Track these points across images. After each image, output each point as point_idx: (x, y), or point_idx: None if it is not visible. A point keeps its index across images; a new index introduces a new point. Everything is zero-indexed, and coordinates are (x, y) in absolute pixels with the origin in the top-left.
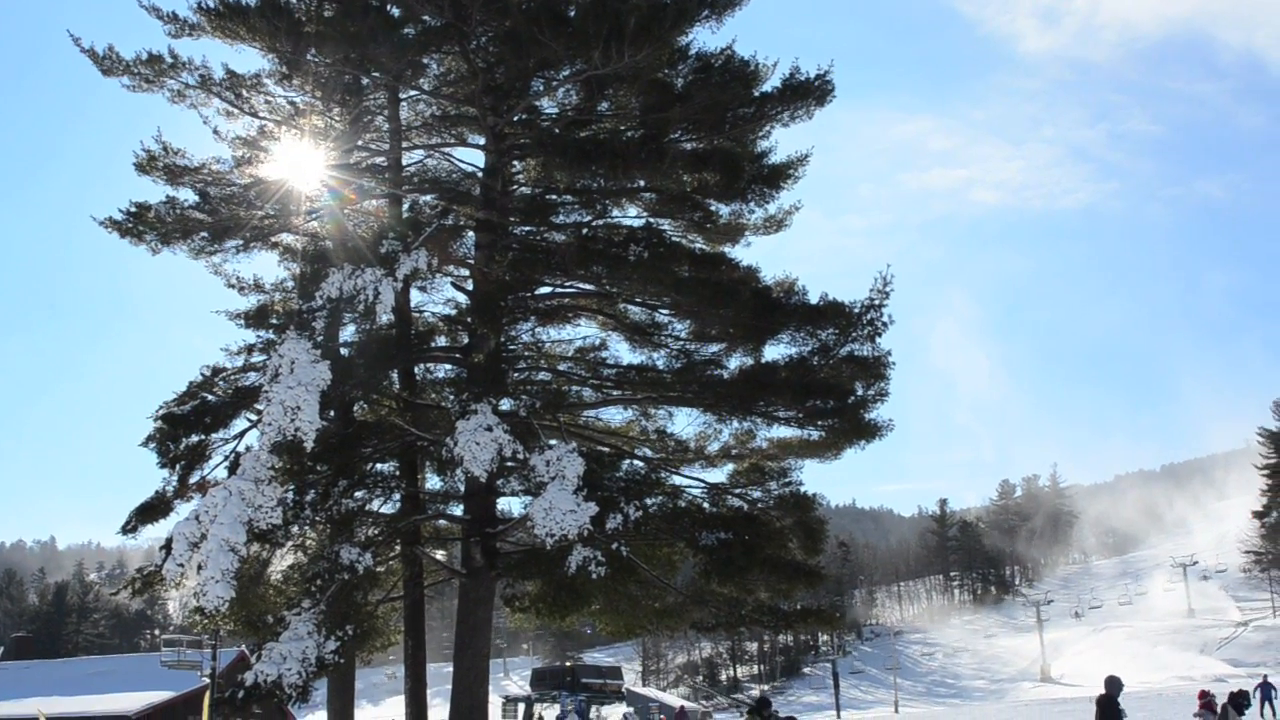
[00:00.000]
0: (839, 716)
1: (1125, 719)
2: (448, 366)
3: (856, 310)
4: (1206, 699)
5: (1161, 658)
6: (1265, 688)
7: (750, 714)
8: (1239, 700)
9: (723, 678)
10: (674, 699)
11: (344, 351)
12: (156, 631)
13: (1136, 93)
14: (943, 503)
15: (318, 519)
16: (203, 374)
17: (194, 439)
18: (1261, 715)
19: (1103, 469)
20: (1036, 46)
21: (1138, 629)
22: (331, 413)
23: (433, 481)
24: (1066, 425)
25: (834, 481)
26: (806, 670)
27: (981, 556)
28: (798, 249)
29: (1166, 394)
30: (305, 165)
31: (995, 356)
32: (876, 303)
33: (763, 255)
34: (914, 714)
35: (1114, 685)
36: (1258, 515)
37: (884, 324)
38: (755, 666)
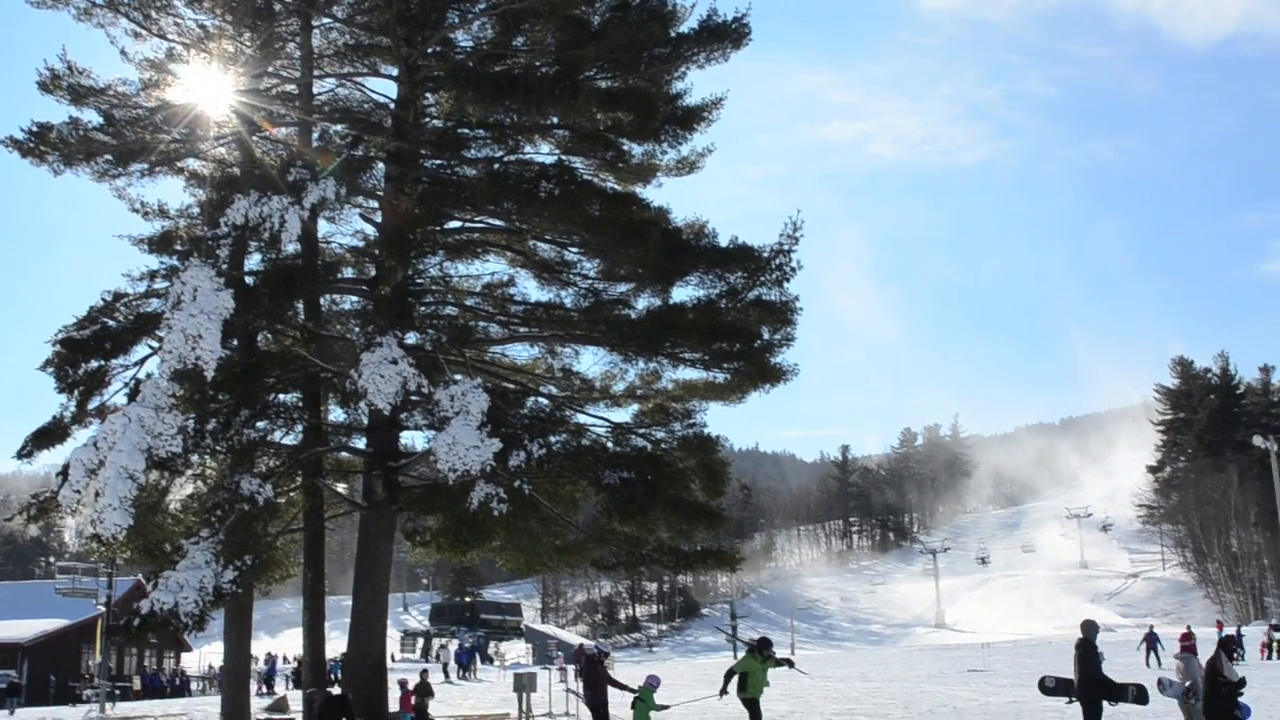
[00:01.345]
0: (736, 658)
1: (1104, 660)
2: (354, 298)
3: (765, 255)
4: (1188, 641)
5: (1053, 606)
6: (1151, 638)
7: (750, 654)
8: (1229, 645)
9: (621, 617)
10: (573, 636)
11: (248, 280)
12: (52, 559)
13: (1033, 54)
14: (844, 449)
15: (218, 448)
16: (104, 299)
17: (93, 364)
18: (1147, 664)
19: (1002, 421)
20: (936, 5)
21: (1031, 578)
22: (234, 341)
23: (336, 414)
24: (968, 377)
25: (738, 425)
26: (705, 611)
27: (881, 503)
28: (695, 195)
29: (1065, 350)
30: (214, 90)
31: (895, 308)
32: (785, 248)
33: (661, 200)
34: (810, 656)
35: (1090, 629)
36: (1152, 470)
37: (792, 269)
38: (654, 606)
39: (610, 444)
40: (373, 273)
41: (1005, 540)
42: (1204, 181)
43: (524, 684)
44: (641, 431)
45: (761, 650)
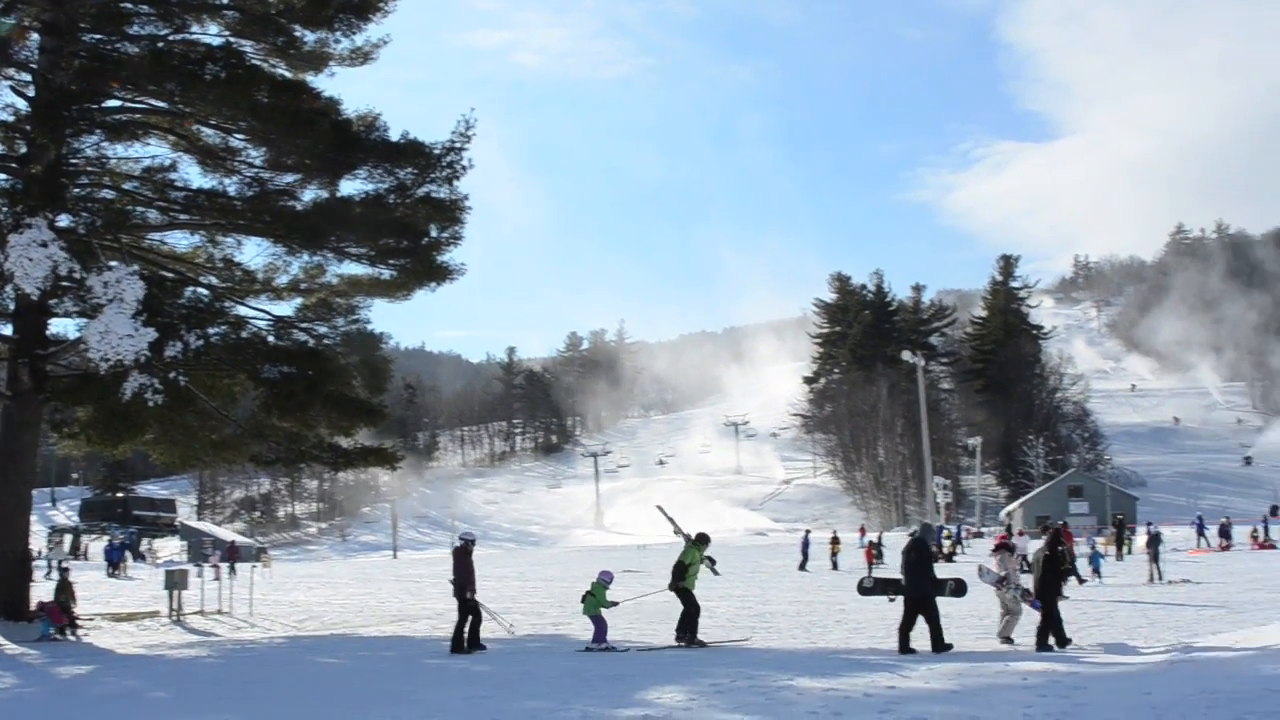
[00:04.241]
0: (395, 556)
1: (935, 560)
2: (2, 177)
3: (437, 152)
4: (1006, 540)
5: (708, 510)
6: (806, 543)
7: (693, 545)
8: (1056, 539)
9: (281, 515)
10: (228, 533)
11: None
12: None
13: None
14: (510, 351)
15: None
16: None
17: None
18: (802, 569)
19: (667, 328)
20: None
21: (690, 483)
22: None
23: None
24: (633, 286)
25: (403, 323)
26: (366, 510)
27: (546, 406)
28: (342, 96)
29: (726, 263)
30: None
31: (553, 214)
32: (457, 145)
33: (332, 91)
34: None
35: (928, 531)
36: (808, 380)
37: (464, 167)
38: (314, 505)
39: (271, 337)
40: (23, 150)
41: (666, 445)
42: (840, 110)
43: (175, 581)
44: (304, 326)
45: (702, 543)
